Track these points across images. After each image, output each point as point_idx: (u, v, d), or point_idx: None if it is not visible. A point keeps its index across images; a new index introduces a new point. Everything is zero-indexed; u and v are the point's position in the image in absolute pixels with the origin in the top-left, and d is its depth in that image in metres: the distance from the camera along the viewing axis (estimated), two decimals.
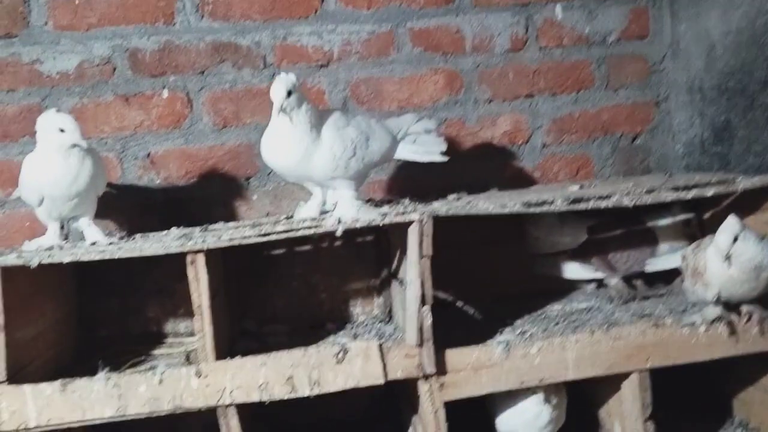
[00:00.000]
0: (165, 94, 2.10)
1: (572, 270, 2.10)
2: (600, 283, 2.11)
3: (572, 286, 2.15)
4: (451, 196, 1.97)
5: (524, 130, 2.28)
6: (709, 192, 1.71)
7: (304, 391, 1.59)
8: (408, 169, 2.19)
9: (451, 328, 1.82)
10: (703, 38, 2.10)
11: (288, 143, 1.63)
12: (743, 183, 1.73)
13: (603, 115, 2.31)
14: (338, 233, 1.60)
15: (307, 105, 1.65)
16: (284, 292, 2.12)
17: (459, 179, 2.15)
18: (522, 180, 2.28)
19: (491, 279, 2.15)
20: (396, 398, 2.05)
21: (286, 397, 1.59)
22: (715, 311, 1.68)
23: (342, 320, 2.12)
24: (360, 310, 2.15)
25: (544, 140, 2.29)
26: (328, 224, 1.62)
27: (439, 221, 1.64)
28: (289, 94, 1.60)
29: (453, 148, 2.20)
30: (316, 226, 1.62)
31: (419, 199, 1.92)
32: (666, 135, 2.33)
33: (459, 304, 2.13)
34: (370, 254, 2.14)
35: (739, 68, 1.96)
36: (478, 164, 2.24)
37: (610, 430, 1.84)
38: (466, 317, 2.05)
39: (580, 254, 2.08)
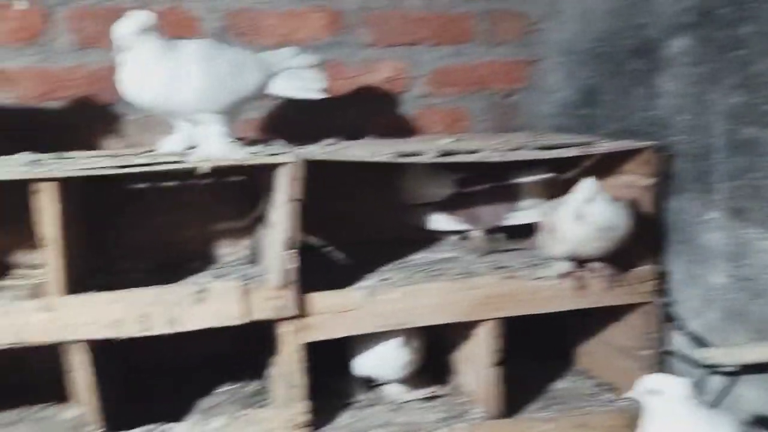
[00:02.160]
0: (20, 5, 1.92)
1: (438, 221, 2.15)
2: (464, 235, 2.18)
3: (437, 236, 2.20)
4: (326, 141, 1.94)
5: (404, 78, 2.27)
6: (570, 153, 1.78)
7: (161, 329, 1.55)
8: (284, 109, 2.14)
9: (319, 273, 1.82)
10: (580, 1, 2.16)
11: (143, 77, 1.54)
12: (602, 146, 1.82)
13: (481, 70, 2.34)
14: (203, 171, 1.54)
15: (160, 39, 1.56)
16: (148, 228, 2.04)
17: (336, 124, 2.12)
18: (399, 129, 2.28)
19: (360, 225, 2.17)
20: (257, 337, 2.04)
21: (140, 335, 1.54)
22: (565, 266, 1.78)
23: (207, 260, 2.06)
24: (226, 250, 2.11)
25: (424, 90, 2.30)
26: (192, 160, 1.55)
27: (311, 165, 1.62)
28: (140, 32, 1.52)
29: (331, 91, 2.17)
30: (179, 162, 1.55)
31: (293, 141, 1.89)
32: (539, 94, 2.39)
33: (327, 249, 2.14)
34: (240, 194, 2.08)
35: (609, 34, 2.04)
36: (355, 110, 2.22)
37: (462, 373, 1.93)
38: (335, 262, 2.06)
39: (447, 206, 2.13)
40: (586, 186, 1.65)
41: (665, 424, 1.31)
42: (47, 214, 1.45)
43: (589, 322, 2.03)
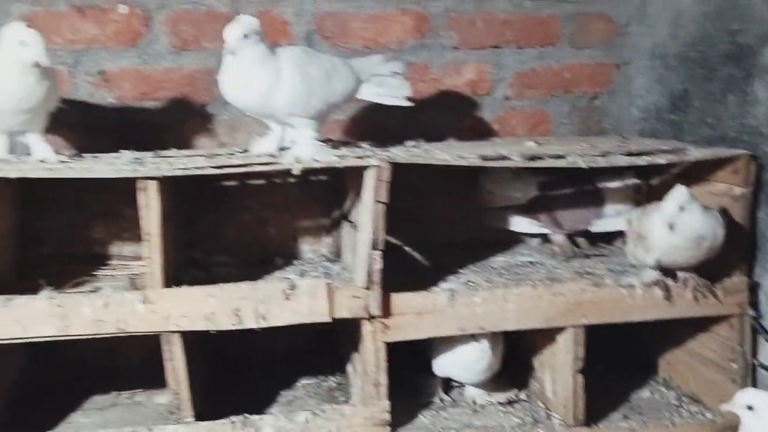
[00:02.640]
0: (122, 9, 2.02)
1: (520, 224, 2.14)
2: (545, 238, 2.16)
3: (518, 238, 2.19)
4: (409, 143, 1.96)
5: (487, 81, 2.27)
6: (661, 160, 1.75)
7: (250, 323, 1.60)
8: (368, 111, 2.17)
9: (398, 272, 1.84)
10: (671, 5, 2.12)
11: (246, 80, 1.60)
12: (694, 153, 1.78)
13: (565, 73, 2.32)
14: (295, 172, 1.59)
15: (263, 44, 1.61)
16: (234, 224, 2.11)
17: (418, 126, 2.14)
18: (480, 131, 2.28)
19: (440, 227, 2.19)
20: (337, 334, 2.09)
21: (231, 329, 1.60)
22: (652, 275, 1.75)
23: (290, 256, 2.12)
24: (308, 247, 2.16)
25: (506, 93, 2.29)
26: (285, 162, 1.60)
27: (395, 167, 1.64)
28: (245, 37, 1.57)
29: (415, 93, 2.18)
30: (272, 163, 1.61)
31: (377, 143, 1.92)
32: (624, 98, 2.35)
33: (408, 249, 2.16)
34: (323, 194, 2.14)
35: (701, 39, 1.99)
36: (438, 112, 2.24)
37: (541, 378, 1.91)
38: (414, 262, 2.08)
39: (529, 209, 2.12)
40: (679, 194, 1.62)
41: None
42: (150, 210, 1.53)
43: (673, 331, 1.98)
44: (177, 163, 1.60)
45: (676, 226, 1.60)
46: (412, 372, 1.95)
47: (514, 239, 2.19)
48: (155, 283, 1.56)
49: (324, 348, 2.16)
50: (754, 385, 1.81)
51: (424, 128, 2.14)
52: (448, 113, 2.26)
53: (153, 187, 1.52)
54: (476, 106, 2.29)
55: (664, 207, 1.62)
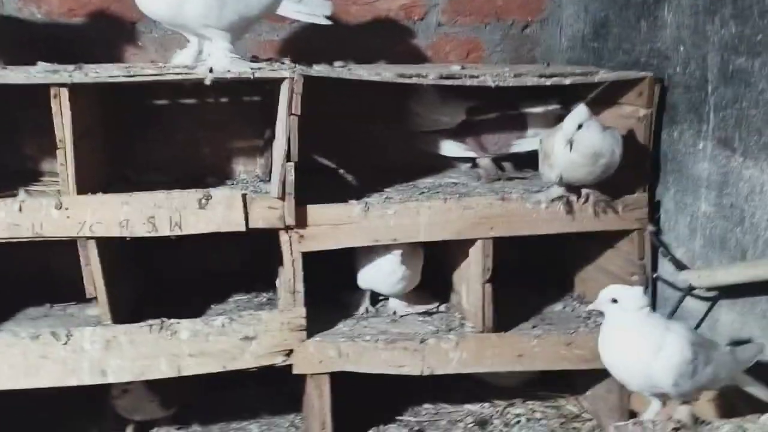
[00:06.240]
0: None
1: (448, 147, 2.20)
2: (474, 163, 2.23)
3: (451, 164, 2.26)
4: (337, 63, 2.00)
5: (421, 6, 2.30)
6: (567, 81, 1.82)
7: (165, 231, 1.66)
8: (301, 33, 2.20)
9: (328, 190, 1.90)
10: None
11: None
12: (599, 76, 1.84)
13: (497, 1, 2.35)
14: (207, 82, 1.63)
15: None
16: (168, 143, 2.15)
17: (351, 49, 2.18)
18: (413, 57, 2.32)
19: (377, 151, 2.24)
20: (272, 252, 2.16)
21: (146, 236, 1.66)
22: (557, 191, 1.83)
23: (224, 176, 2.17)
24: (242, 168, 2.21)
25: (440, 19, 2.33)
26: (198, 72, 1.64)
27: (321, 89, 1.68)
28: None
29: (348, 16, 2.22)
30: (185, 74, 1.64)
31: (307, 63, 1.95)
32: (554, 27, 2.40)
33: (341, 172, 2.23)
34: (255, 114, 2.17)
35: None
36: (371, 36, 2.27)
37: (458, 291, 2.02)
38: (346, 184, 2.15)
39: (457, 133, 2.18)
40: (577, 113, 1.69)
41: (618, 328, 1.39)
42: (63, 118, 1.56)
43: (585, 248, 2.09)
44: (90, 72, 1.63)
45: (573, 143, 1.67)
46: (346, 288, 2.04)
47: (448, 164, 2.26)
48: (69, 189, 1.61)
49: (257, 267, 2.23)
50: (654, 297, 1.92)
51: (357, 52, 2.18)
52: (381, 38, 2.29)
53: (64, 94, 1.55)
54: (410, 31, 2.32)
55: (564, 125, 1.69)
